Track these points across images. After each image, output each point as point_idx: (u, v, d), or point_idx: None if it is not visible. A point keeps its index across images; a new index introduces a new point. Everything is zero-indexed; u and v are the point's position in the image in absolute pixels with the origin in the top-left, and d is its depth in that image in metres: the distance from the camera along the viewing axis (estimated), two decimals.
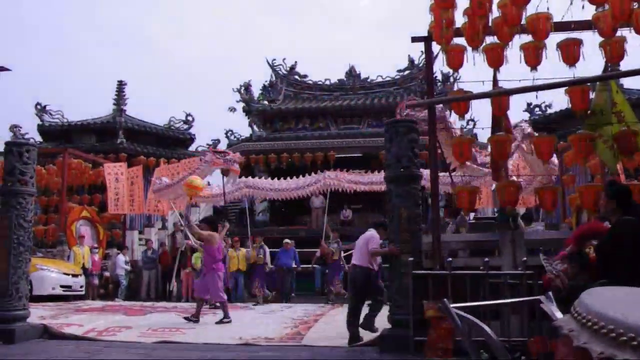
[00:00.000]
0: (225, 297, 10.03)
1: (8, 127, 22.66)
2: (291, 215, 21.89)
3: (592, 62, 7.02)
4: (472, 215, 12.58)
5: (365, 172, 18.01)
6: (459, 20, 7.22)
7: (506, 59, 7.12)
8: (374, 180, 17.48)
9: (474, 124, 17.25)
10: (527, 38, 6.92)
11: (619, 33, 6.70)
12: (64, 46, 75.27)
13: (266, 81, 25.56)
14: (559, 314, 2.66)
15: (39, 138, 23.50)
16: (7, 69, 8.95)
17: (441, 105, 8.61)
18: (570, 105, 6.99)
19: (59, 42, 75.73)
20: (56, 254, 15.56)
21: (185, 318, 9.49)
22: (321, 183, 17.58)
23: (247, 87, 24.19)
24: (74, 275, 14.01)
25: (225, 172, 15.90)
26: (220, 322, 9.33)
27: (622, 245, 3.85)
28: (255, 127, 24.06)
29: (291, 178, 17.49)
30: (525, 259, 6.35)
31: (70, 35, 75.95)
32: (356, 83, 25.70)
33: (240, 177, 16.92)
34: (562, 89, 6.81)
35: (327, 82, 25.94)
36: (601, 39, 6.77)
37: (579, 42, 6.79)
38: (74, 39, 75.76)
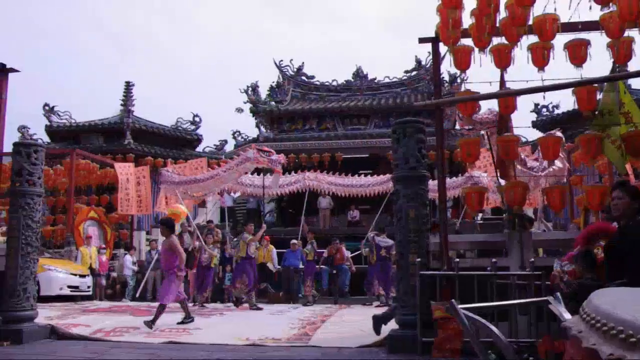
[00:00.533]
0: (167, 303, 9.11)
1: (16, 128, 22.84)
2: (298, 216, 21.88)
3: (599, 63, 7.01)
4: (480, 215, 12.53)
5: (373, 174, 18.01)
6: (466, 21, 7.23)
7: (513, 59, 7.12)
8: (353, 183, 17.48)
9: None
10: (534, 39, 6.91)
11: (626, 34, 6.69)
12: (72, 47, 75.65)
13: (273, 82, 25.62)
14: (567, 315, 2.65)
15: (46, 139, 23.63)
16: (15, 70, 8.96)
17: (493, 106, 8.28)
18: (577, 106, 6.97)
19: (67, 43, 76.11)
20: (64, 254, 15.59)
21: (179, 323, 9.16)
22: (300, 183, 17.58)
23: (254, 88, 24.21)
24: (82, 276, 14.05)
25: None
26: (147, 322, 8.66)
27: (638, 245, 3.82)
28: (262, 128, 24.09)
29: None
30: (533, 259, 6.33)
31: (78, 37, 76.32)
32: (363, 84, 25.71)
33: None
34: (570, 90, 6.79)
35: (334, 83, 25.96)
36: (609, 39, 6.75)
37: (586, 43, 6.78)
38: (82, 40, 76.11)
